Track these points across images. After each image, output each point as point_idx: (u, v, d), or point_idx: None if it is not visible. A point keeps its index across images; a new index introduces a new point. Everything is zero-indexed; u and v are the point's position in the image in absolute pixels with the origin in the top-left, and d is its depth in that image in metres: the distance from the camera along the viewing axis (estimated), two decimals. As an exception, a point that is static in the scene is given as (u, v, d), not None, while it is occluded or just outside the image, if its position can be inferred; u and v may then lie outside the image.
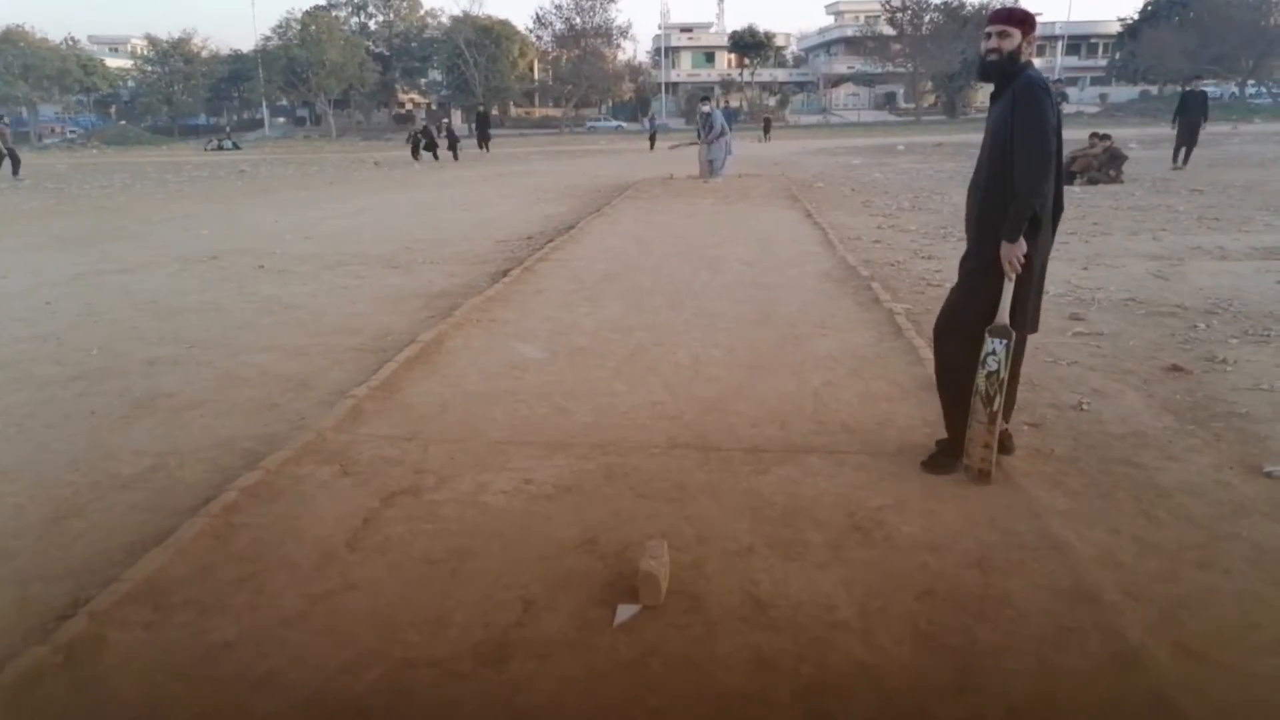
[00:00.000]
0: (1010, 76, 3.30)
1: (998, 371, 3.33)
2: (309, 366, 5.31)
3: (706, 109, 18.54)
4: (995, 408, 3.34)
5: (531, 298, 6.99)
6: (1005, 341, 3.32)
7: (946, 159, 23.92)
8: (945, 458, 3.54)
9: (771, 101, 76.66)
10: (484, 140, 34.86)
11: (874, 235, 10.25)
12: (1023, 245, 3.22)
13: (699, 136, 18.94)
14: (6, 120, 25.20)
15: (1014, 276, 3.26)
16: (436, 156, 29.55)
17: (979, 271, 3.39)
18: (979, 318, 3.38)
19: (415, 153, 29.27)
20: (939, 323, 3.58)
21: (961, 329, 3.45)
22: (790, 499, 3.31)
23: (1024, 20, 3.34)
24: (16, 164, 23.08)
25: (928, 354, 4.99)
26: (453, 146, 30.29)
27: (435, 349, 5.46)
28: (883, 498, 3.30)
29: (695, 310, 6.44)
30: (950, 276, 7.43)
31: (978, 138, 3.57)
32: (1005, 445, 3.58)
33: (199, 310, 6.95)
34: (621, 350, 5.41)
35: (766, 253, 8.97)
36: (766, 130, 41.30)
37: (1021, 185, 3.17)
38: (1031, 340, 3.87)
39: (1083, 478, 3.48)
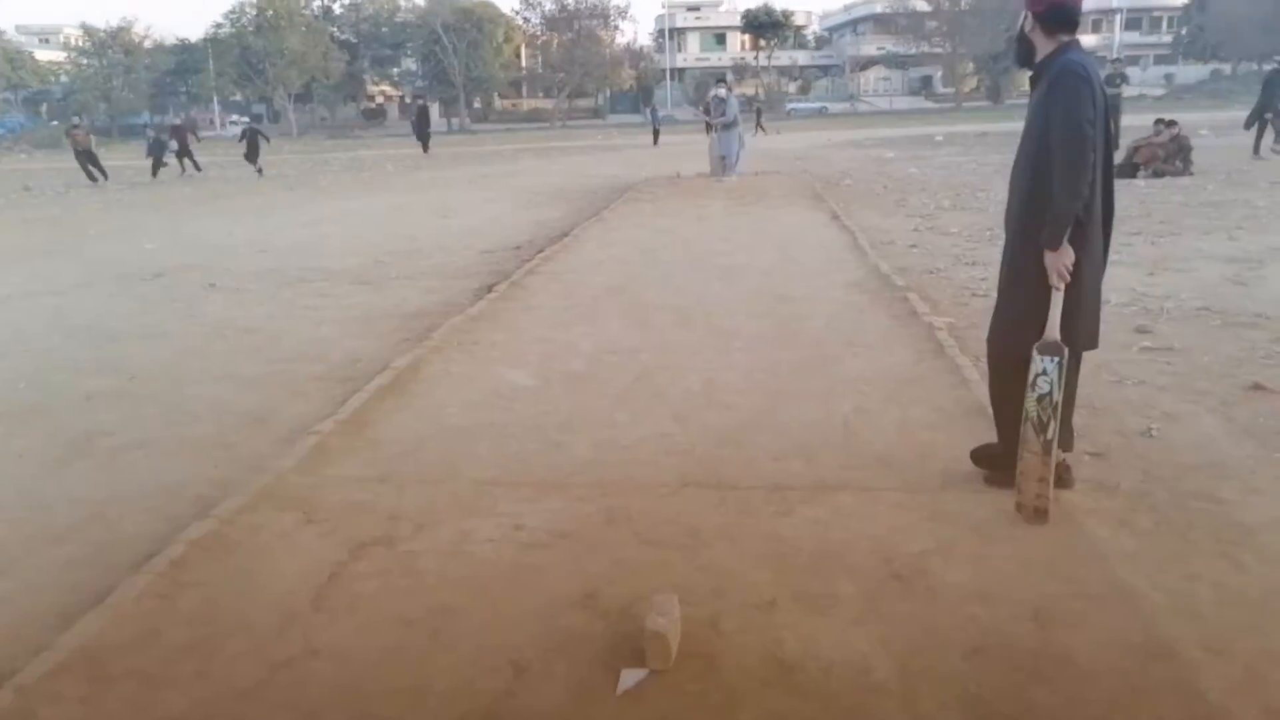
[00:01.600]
0: (1043, 62, 3.39)
1: (1050, 394, 3.33)
2: (267, 399, 5.32)
3: (722, 92, 18.64)
4: (1050, 436, 3.34)
5: (520, 316, 7.01)
6: (1057, 360, 3.32)
7: (991, 150, 24.01)
8: (1001, 468, 3.59)
9: (792, 88, 77.11)
10: (424, 139, 33.87)
11: (910, 239, 10.28)
12: (1068, 252, 3.27)
13: (708, 124, 19.09)
14: None
15: (1062, 287, 3.30)
16: (184, 169, 26.68)
17: (1019, 282, 3.44)
18: (1029, 332, 3.40)
19: (156, 168, 26.00)
20: (990, 343, 3.65)
21: (1012, 347, 3.49)
22: (819, 544, 3.30)
23: None
24: None
25: (973, 374, 5.00)
26: (184, 155, 26.82)
27: (411, 377, 5.47)
28: (924, 541, 3.29)
29: (707, 328, 6.46)
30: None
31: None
32: (1063, 479, 3.58)
33: (141, 336, 6.98)
34: (624, 375, 5.42)
35: (788, 260, 8.99)
36: (759, 123, 41.28)
37: (1059, 187, 3.22)
38: (1091, 357, 3.88)
39: (1153, 515, 3.47)
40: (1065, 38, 3.41)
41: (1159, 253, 8.72)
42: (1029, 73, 3.56)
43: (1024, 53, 3.52)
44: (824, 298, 7.27)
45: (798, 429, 4.43)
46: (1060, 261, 3.26)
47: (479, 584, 3.12)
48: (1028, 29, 3.48)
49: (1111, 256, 3.65)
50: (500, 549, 3.35)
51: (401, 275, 9.19)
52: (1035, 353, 3.35)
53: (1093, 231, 3.38)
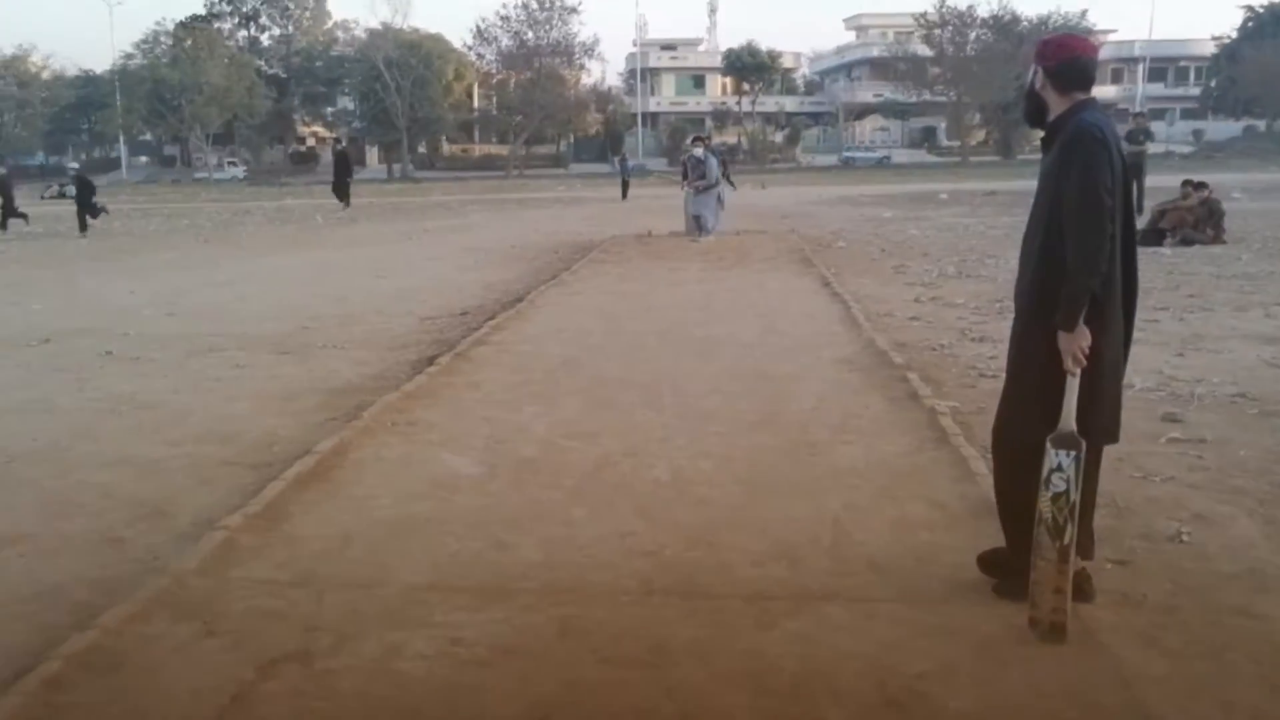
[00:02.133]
0: (1056, 122, 3.50)
1: (1067, 493, 3.35)
2: (167, 486, 5.24)
3: (699, 152, 19.08)
4: (1067, 541, 3.36)
5: (465, 393, 7.00)
6: (1074, 454, 3.35)
7: (1001, 211, 24.52)
8: (1011, 576, 3.59)
9: (778, 137, 78.59)
10: (341, 190, 31.65)
11: (910, 310, 10.43)
12: (1085, 334, 3.31)
13: (683, 181, 19.45)
14: None
15: (1078, 373, 3.34)
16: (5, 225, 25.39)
17: (1029, 364, 3.50)
18: (1038, 420, 3.44)
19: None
20: (995, 430, 3.69)
21: (1020, 436, 3.53)
22: (803, 663, 3.28)
23: (1035, 52, 3.57)
24: None
25: (981, 467, 5.03)
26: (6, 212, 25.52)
27: (336, 463, 5.43)
28: (924, 661, 3.27)
29: (679, 409, 6.47)
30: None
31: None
32: (1083, 590, 3.59)
33: (22, 411, 6.90)
34: (582, 464, 5.40)
35: (772, 332, 9.07)
36: (725, 176, 41.93)
37: (1074, 262, 3.29)
38: (1113, 450, 3.92)
39: (1184, 633, 3.48)
40: (1080, 95, 3.51)
41: (1188, 330, 8.90)
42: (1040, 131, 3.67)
43: (1034, 111, 3.62)
44: (812, 376, 7.32)
45: (780, 528, 4.42)
46: (1076, 344, 3.30)
47: (409, 708, 3.06)
48: (1038, 85, 3.57)
49: (1136, 335, 3.72)
50: (434, 667, 3.30)
51: (329, 344, 9.17)
52: (1049, 446, 3.37)
53: (1112, 309, 3.44)
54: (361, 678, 3.24)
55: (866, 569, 4.00)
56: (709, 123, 78.57)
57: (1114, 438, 3.59)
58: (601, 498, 4.87)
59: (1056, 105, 3.53)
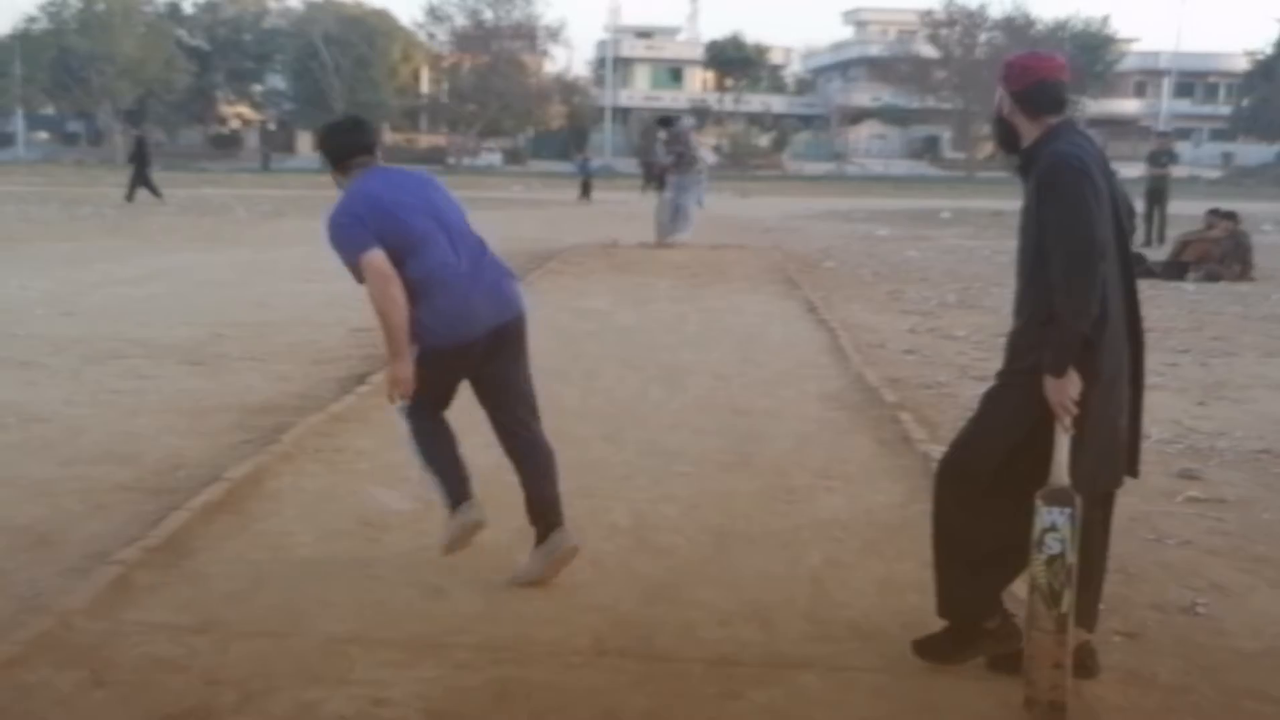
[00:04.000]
0: (1030, 150, 3.58)
1: (1063, 555, 3.34)
2: (55, 512, 5.19)
3: (688, 122, 18.69)
4: (1065, 609, 3.35)
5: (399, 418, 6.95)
6: (1068, 511, 3.35)
7: (1009, 234, 24.51)
8: (947, 643, 3.67)
9: (764, 140, 79.08)
10: (142, 181, 29.77)
11: (905, 342, 10.51)
12: (1074, 382, 3.36)
13: (653, 174, 19.19)
14: None
15: (1069, 423, 3.38)
16: None
17: (998, 398, 3.65)
18: (989, 461, 3.55)
19: None
20: (943, 461, 3.79)
21: (966, 474, 3.62)
22: (772, 740, 3.28)
23: (1004, 75, 3.63)
24: None
25: (978, 523, 5.06)
26: None
27: (250, 492, 5.40)
28: (909, 741, 3.28)
29: (642, 445, 6.48)
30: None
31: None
32: (1086, 666, 3.61)
33: (-109, 419, 6.80)
34: (530, 502, 5.39)
35: (749, 362, 9.11)
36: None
37: (1061, 306, 3.34)
38: (1125, 508, 3.96)
39: (1197, 717, 3.51)
40: (1052, 120, 3.57)
41: (1211, 377, 9.01)
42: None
43: (1006, 137, 3.70)
44: (793, 413, 7.35)
45: (751, 584, 4.43)
46: (1064, 392, 3.34)
47: (322, 779, 3.04)
48: (1005, 111, 3.65)
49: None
50: (353, 731, 3.27)
51: (246, 355, 9.12)
52: (1040, 503, 3.39)
53: (1106, 354, 3.45)
54: (270, 741, 3.21)
55: (847, 634, 4.02)
56: (686, 119, 78.91)
57: (1096, 486, 3.56)
58: (551, 542, 4.86)
59: (1028, 131, 3.60)
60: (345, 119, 4.87)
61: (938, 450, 6.31)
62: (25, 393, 7.60)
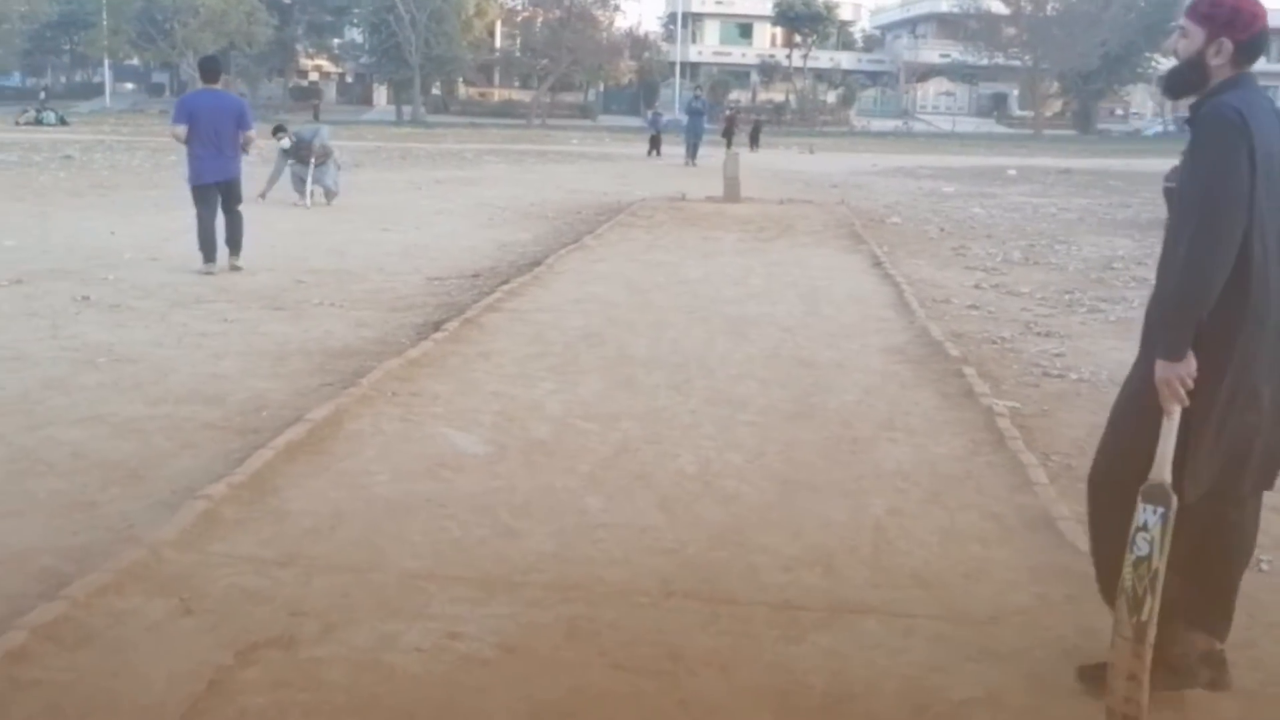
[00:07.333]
0: (1199, 101, 3.15)
1: (1150, 557, 3.02)
2: (145, 449, 5.29)
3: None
4: (1145, 616, 3.02)
5: (474, 364, 7.03)
6: (1161, 511, 3.01)
7: (1076, 192, 24.35)
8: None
9: (831, 96, 78.16)
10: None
11: (969, 297, 10.39)
12: (1188, 364, 3.00)
13: (727, 145, 19.37)
14: None
15: (1176, 412, 3.04)
16: None
17: (1133, 398, 3.21)
18: (1137, 461, 3.13)
19: None
20: (1093, 468, 3.42)
21: (1116, 481, 3.23)
22: (834, 680, 3.29)
23: (1209, 15, 3.13)
24: None
25: (1041, 476, 5.03)
26: None
27: (330, 433, 5.46)
28: (968, 687, 3.28)
29: (709, 394, 6.48)
30: (1078, 363, 7.58)
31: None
32: (1216, 680, 3.26)
33: (-9, 357, 6.96)
34: (600, 448, 5.43)
35: (815, 314, 9.06)
36: (755, 139, 41.59)
37: (1183, 274, 3.01)
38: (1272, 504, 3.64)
39: (1260, 672, 3.44)
40: (1244, 71, 3.18)
41: None
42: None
43: (1193, 83, 3.22)
44: (857, 365, 7.31)
45: (815, 532, 4.44)
46: (1174, 375, 2.99)
47: (400, 706, 3.09)
48: (1215, 60, 3.15)
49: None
50: (430, 662, 3.33)
51: (325, 301, 9.22)
52: (1140, 499, 3.04)
53: (1247, 341, 3.07)
54: (350, 669, 3.27)
55: (909, 582, 4.01)
56: (754, 76, 78.21)
57: (1236, 488, 3.20)
58: (620, 487, 4.89)
59: (1218, 78, 3.16)
60: (203, 58, 10.96)
61: (1001, 405, 6.30)
62: (115, 334, 7.73)
